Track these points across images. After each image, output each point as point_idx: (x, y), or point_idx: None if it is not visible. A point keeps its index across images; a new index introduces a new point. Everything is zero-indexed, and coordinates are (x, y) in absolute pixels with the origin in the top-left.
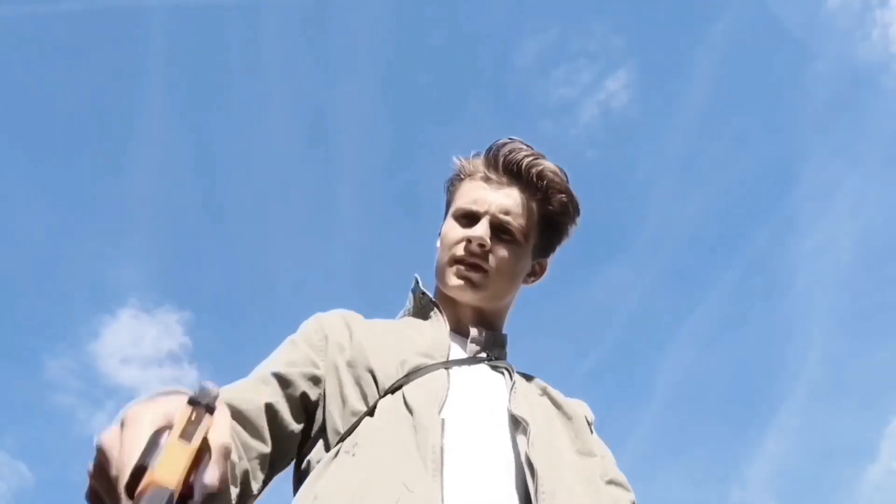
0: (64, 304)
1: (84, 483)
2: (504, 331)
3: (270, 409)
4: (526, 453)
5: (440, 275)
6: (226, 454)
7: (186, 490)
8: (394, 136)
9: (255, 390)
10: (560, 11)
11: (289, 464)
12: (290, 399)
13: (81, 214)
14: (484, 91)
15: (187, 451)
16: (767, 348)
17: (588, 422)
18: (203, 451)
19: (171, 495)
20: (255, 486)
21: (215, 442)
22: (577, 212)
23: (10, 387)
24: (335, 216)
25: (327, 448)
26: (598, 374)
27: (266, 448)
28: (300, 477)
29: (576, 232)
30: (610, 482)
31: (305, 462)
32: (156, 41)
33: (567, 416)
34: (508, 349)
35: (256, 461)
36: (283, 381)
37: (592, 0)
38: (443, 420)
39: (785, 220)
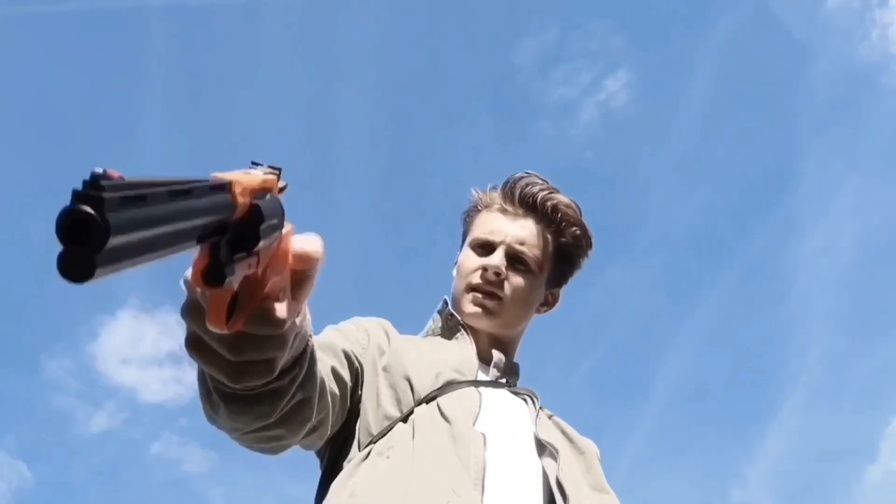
0: (63, 304)
1: (84, 483)
2: (516, 359)
3: (336, 373)
4: (557, 477)
5: (456, 302)
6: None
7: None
8: (393, 137)
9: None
10: (560, 11)
11: (324, 438)
12: (352, 373)
13: None
14: (484, 91)
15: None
16: (767, 348)
17: (598, 458)
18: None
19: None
20: (319, 415)
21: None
22: (589, 245)
23: (9, 387)
24: (335, 216)
25: (358, 446)
26: (598, 375)
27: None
28: (328, 472)
29: (588, 264)
30: None
31: (330, 455)
32: (156, 41)
33: (579, 451)
34: (521, 378)
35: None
36: (346, 356)
37: (592, 0)
38: (483, 435)
39: (785, 220)
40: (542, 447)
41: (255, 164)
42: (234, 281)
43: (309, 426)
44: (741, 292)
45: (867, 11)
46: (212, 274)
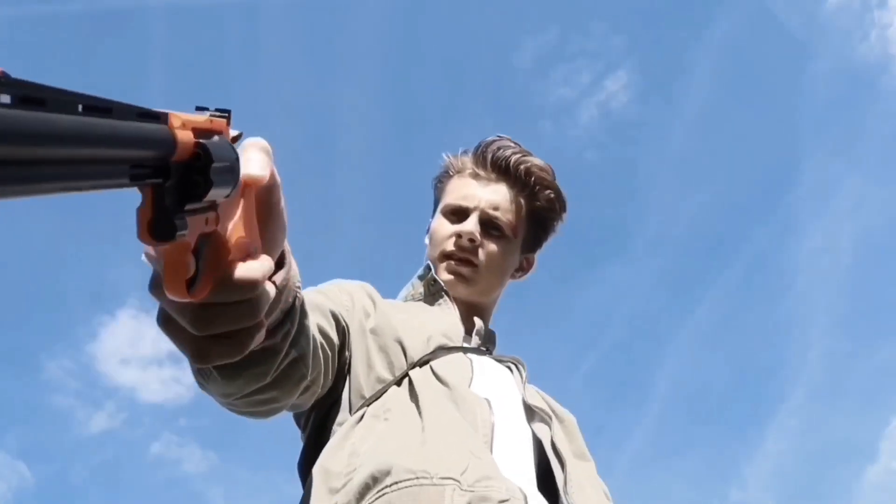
0: (63, 304)
1: (84, 483)
2: (491, 325)
3: (324, 331)
4: (552, 442)
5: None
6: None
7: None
8: (393, 137)
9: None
10: (559, 12)
11: (315, 396)
12: (339, 333)
13: (80, 214)
14: (483, 91)
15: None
16: (767, 348)
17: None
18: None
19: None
20: (305, 370)
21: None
22: (563, 208)
23: (9, 387)
24: (335, 217)
25: (349, 409)
26: (597, 375)
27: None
28: (315, 436)
29: (563, 227)
30: (603, 493)
31: (316, 419)
32: (156, 41)
33: (559, 418)
34: (498, 345)
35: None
36: (332, 314)
37: (592, 0)
38: (487, 399)
39: (784, 221)
40: (531, 413)
41: (200, 109)
42: (190, 236)
43: (303, 385)
44: (741, 292)
45: (866, 12)
46: (158, 225)
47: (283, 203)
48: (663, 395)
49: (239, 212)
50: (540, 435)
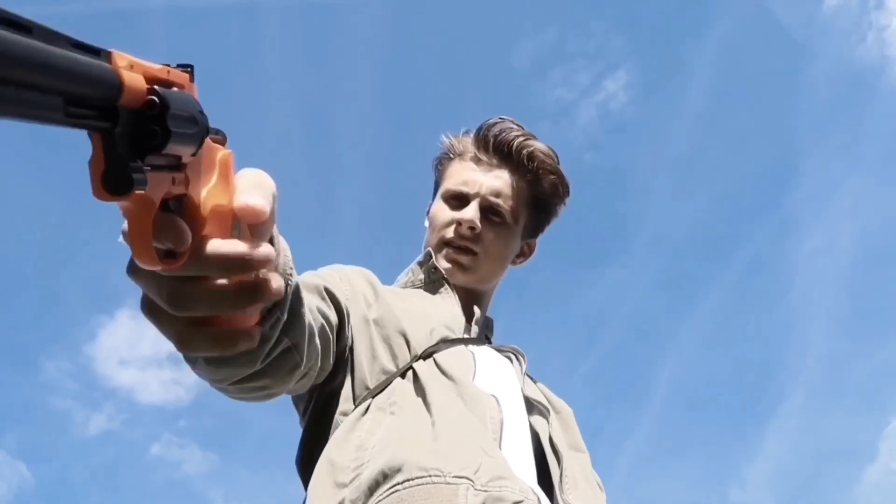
0: (60, 304)
1: (84, 483)
2: (489, 313)
3: (323, 313)
4: (550, 437)
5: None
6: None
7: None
8: (391, 139)
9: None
10: (558, 12)
11: (312, 380)
12: (338, 315)
13: (79, 214)
14: (481, 92)
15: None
16: (766, 349)
17: (574, 417)
18: None
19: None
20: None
21: None
22: (567, 193)
23: (8, 388)
24: (334, 218)
25: (353, 399)
26: (597, 375)
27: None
28: (314, 423)
29: (565, 212)
30: (596, 484)
31: (316, 406)
32: (156, 42)
33: (556, 410)
34: (496, 333)
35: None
36: (332, 297)
37: (591, 0)
38: (495, 396)
39: (784, 221)
40: (529, 406)
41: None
42: (153, 192)
43: (298, 374)
44: (741, 293)
45: (864, 14)
46: (112, 176)
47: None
48: (663, 395)
49: (214, 179)
50: (538, 428)
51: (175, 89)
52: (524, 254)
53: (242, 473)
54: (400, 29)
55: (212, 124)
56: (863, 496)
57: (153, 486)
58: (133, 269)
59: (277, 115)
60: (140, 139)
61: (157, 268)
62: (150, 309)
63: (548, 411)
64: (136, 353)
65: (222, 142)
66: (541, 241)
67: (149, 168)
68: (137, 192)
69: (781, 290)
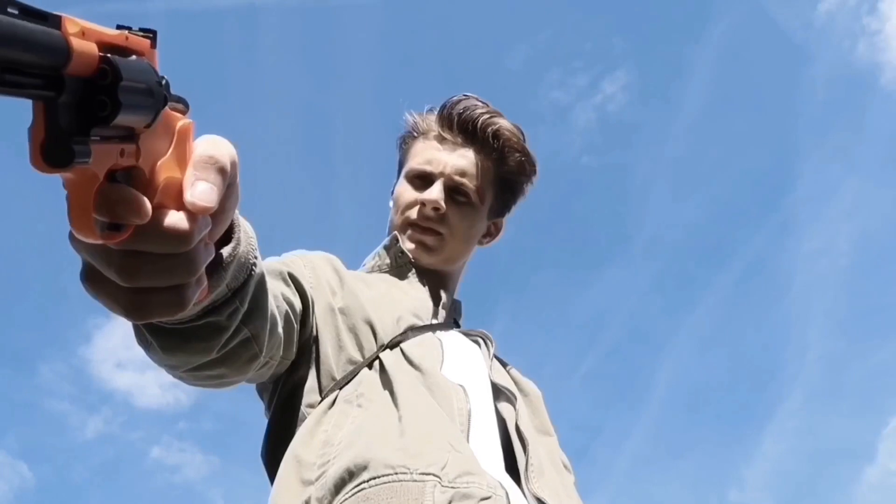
0: (55, 305)
1: (85, 484)
2: (456, 295)
3: (287, 300)
4: (516, 424)
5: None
6: None
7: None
8: (388, 140)
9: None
10: (555, 13)
11: (272, 370)
12: (303, 302)
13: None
14: (478, 95)
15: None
16: (765, 350)
17: (542, 400)
18: None
19: None
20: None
21: None
22: (533, 171)
23: (7, 389)
24: (334, 221)
25: (319, 390)
26: (596, 376)
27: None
28: (279, 414)
29: (532, 190)
30: (563, 466)
31: (280, 397)
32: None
33: (524, 393)
34: (464, 316)
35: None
36: (296, 284)
37: (588, 1)
38: (462, 387)
39: (783, 223)
40: (497, 392)
41: (121, 27)
42: (96, 165)
43: (257, 364)
44: (739, 294)
45: (859, 18)
46: (51, 148)
47: (237, 178)
48: (662, 396)
49: (171, 150)
50: (504, 415)
51: (133, 57)
52: (491, 234)
53: (243, 475)
54: (397, 31)
55: (175, 92)
56: (861, 497)
57: (154, 489)
58: (75, 240)
59: (275, 117)
60: (87, 110)
61: (97, 240)
62: (91, 279)
63: (515, 397)
64: (133, 356)
65: (184, 111)
66: (508, 220)
67: (97, 139)
68: (79, 164)
69: (780, 291)
